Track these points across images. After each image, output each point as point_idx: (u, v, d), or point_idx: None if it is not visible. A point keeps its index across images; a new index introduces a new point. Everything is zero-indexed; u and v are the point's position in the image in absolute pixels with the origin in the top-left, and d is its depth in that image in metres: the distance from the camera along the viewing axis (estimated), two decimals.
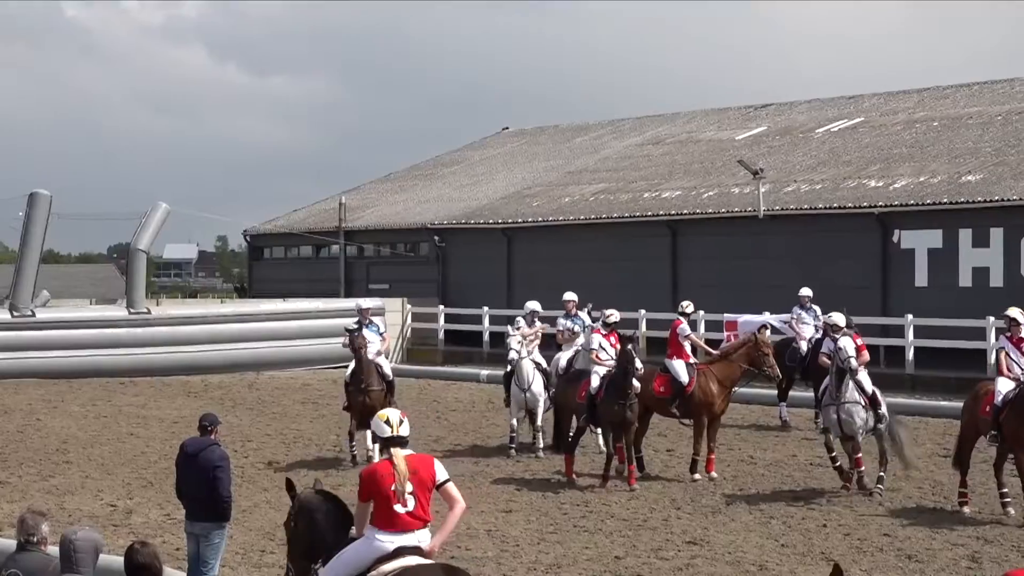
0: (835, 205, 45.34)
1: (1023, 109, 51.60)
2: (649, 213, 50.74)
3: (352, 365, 26.78)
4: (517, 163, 67.03)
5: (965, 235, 41.95)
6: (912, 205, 43.31)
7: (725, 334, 41.80)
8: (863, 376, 22.00)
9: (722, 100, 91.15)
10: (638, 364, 23.25)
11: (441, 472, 11.35)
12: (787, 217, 46.33)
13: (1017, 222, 40.79)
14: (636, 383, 23.28)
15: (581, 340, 28.29)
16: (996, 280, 41.06)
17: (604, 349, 24.49)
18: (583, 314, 29.93)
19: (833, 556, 17.40)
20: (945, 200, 42.76)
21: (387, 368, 26.78)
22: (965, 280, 41.57)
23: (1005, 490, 20.36)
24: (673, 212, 50.01)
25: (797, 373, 31.47)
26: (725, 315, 41.94)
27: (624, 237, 50.74)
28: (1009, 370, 20.45)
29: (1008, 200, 41.20)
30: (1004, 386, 20.27)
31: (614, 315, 25.19)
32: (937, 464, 24.85)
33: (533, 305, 29.59)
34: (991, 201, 41.57)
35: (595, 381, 23.93)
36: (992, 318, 37.67)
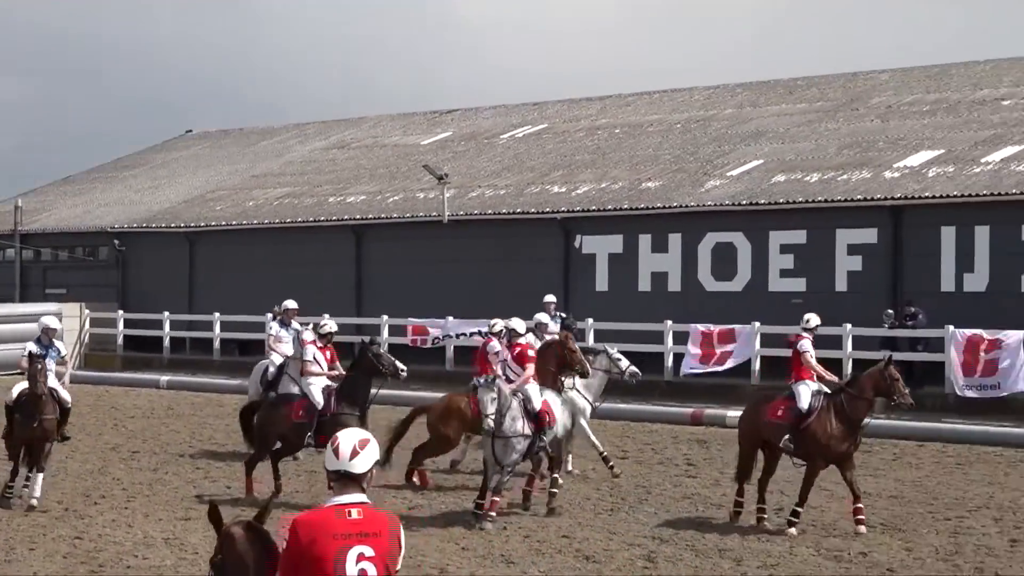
0: (519, 210, 45.91)
1: (702, 117, 53.05)
2: (334, 218, 50.62)
3: (19, 388, 24.25)
4: (201, 166, 66.21)
5: (645, 240, 42.92)
6: (594, 211, 44.11)
7: (409, 338, 42.01)
8: (532, 390, 20.72)
9: (408, 105, 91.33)
10: (400, 365, 22.60)
11: None
12: (471, 222, 46.73)
13: (694, 228, 41.92)
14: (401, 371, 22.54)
15: (288, 350, 27.48)
16: (674, 285, 42.15)
17: (317, 362, 23.14)
18: (296, 323, 28.69)
19: (513, 558, 17.56)
20: (626, 206, 43.68)
21: (65, 394, 24.12)
22: (644, 285, 42.52)
23: (763, 505, 19.99)
24: (358, 217, 49.98)
25: None
26: (409, 319, 42.04)
27: (309, 241, 50.54)
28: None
29: (686, 206, 42.29)
30: (807, 392, 19.94)
31: (328, 325, 23.96)
32: (616, 465, 25.28)
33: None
34: (670, 207, 42.61)
35: (318, 396, 22.43)
36: (670, 322, 38.60)
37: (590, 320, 40.74)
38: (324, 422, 21.98)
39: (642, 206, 43.46)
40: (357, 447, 8.05)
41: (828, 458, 19.66)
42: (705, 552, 18.03)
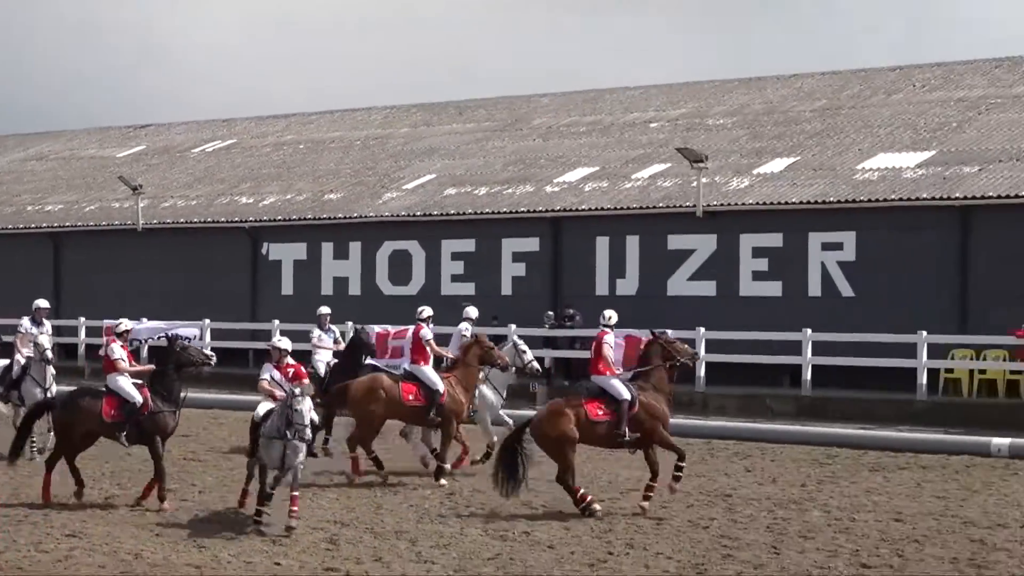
0: (209, 220, 45.60)
1: (380, 135, 53.40)
2: (32, 225, 49.51)
3: None
4: None
5: (327, 248, 43.15)
6: (280, 220, 44.08)
7: (104, 339, 41.16)
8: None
9: (104, 119, 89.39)
10: (208, 352, 21.75)
11: None
12: (165, 230, 46.31)
13: (373, 237, 42.28)
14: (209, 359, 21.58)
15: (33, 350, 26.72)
16: (354, 289, 42.45)
17: (123, 360, 21.67)
18: (47, 324, 27.92)
19: (205, 544, 17.53)
20: (309, 216, 43.78)
21: None
22: (327, 288, 42.68)
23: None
24: (56, 225, 49.00)
25: (318, 396, 28.41)
26: (105, 321, 41.17)
27: (8, 249, 49.32)
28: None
29: (365, 217, 42.65)
30: (618, 382, 19.93)
31: (124, 323, 22.73)
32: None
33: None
34: (350, 218, 42.89)
35: (135, 393, 20.99)
36: (351, 323, 38.63)
37: (276, 321, 40.60)
38: (142, 420, 20.87)
39: (325, 216, 43.61)
40: None
41: (666, 423, 20.23)
42: (383, 535, 18.27)
